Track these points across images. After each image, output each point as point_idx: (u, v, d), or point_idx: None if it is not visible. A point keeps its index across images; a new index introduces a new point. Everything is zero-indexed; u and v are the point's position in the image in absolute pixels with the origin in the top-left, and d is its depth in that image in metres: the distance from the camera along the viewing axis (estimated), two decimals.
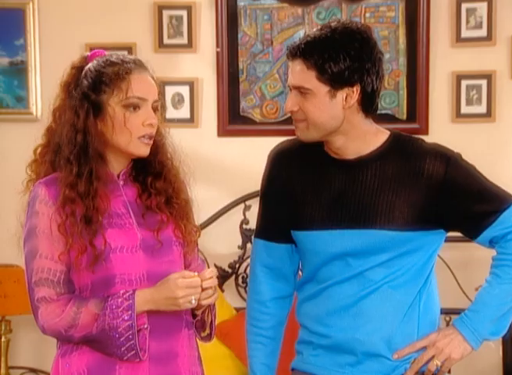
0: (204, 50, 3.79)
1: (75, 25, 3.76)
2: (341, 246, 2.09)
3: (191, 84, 3.81)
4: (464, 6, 3.70)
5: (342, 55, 2.02)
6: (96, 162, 1.95)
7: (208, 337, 2.12)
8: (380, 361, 2.11)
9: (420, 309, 2.14)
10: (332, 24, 2.07)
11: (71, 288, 1.95)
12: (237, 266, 3.77)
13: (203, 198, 3.71)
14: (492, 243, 2.13)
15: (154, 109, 2.01)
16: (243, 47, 3.77)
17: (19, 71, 3.81)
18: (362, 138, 2.11)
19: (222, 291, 3.68)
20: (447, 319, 3.67)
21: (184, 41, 3.80)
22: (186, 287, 1.89)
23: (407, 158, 2.09)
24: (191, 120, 3.82)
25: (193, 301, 1.90)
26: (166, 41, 3.81)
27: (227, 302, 3.68)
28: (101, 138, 1.96)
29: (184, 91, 3.81)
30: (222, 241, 3.77)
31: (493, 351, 3.68)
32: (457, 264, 3.68)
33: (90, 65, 1.99)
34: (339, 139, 2.10)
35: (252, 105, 3.80)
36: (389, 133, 2.16)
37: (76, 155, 1.94)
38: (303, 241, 2.17)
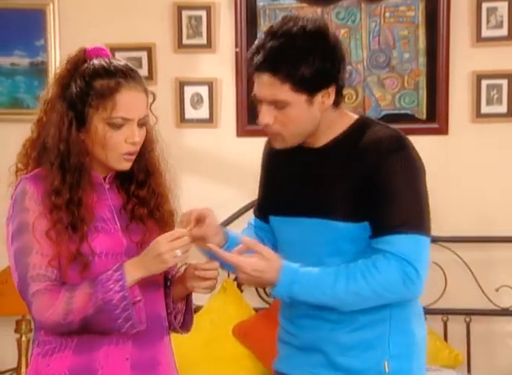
0: (223, 50, 3.79)
1: (95, 25, 3.78)
2: (293, 232, 2.11)
3: (210, 84, 3.81)
4: (485, 5, 3.68)
5: (311, 60, 1.96)
6: (79, 172, 1.92)
7: (185, 327, 2.11)
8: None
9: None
10: (292, 29, 1.98)
11: (64, 282, 1.92)
12: None
13: (222, 198, 3.75)
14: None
15: (141, 125, 1.96)
16: None
17: (39, 72, 3.84)
18: (331, 127, 2.08)
19: (241, 291, 3.68)
20: (467, 319, 3.66)
21: (203, 41, 3.81)
22: (166, 240, 1.87)
23: (354, 147, 2.04)
24: (210, 120, 3.83)
25: (179, 253, 1.87)
26: (185, 41, 3.81)
27: (246, 302, 3.68)
28: (84, 148, 1.93)
29: (203, 91, 3.82)
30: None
31: None
32: (477, 265, 3.66)
33: (83, 67, 1.94)
34: (312, 135, 2.09)
35: None
36: (355, 119, 2.11)
37: (59, 164, 1.92)
38: (272, 226, 2.22)
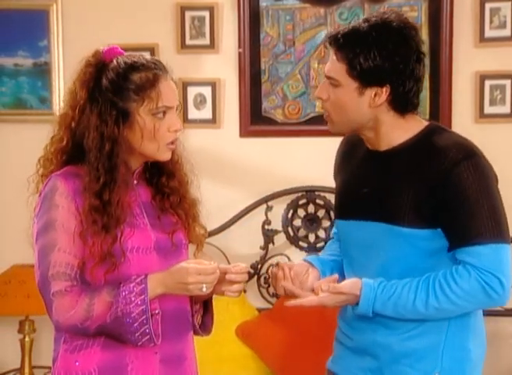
0: (226, 51, 3.79)
1: (98, 26, 3.78)
2: (360, 237, 2.10)
3: (213, 85, 3.82)
4: (488, 6, 3.68)
5: (373, 53, 1.97)
6: (121, 171, 1.94)
7: (205, 328, 2.12)
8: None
9: None
10: (373, 19, 2.01)
11: (84, 282, 1.93)
12: (259, 266, 3.77)
13: (225, 199, 3.74)
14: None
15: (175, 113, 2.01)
16: (265, 47, 3.77)
17: (42, 72, 3.84)
18: (394, 132, 2.07)
19: (245, 291, 3.68)
20: None
21: (206, 41, 3.81)
22: (196, 273, 1.88)
23: (424, 153, 2.02)
24: (213, 121, 3.83)
25: (204, 289, 1.89)
26: (188, 41, 3.81)
27: (249, 303, 3.68)
28: (128, 146, 1.95)
29: (206, 91, 3.82)
30: (244, 242, 3.77)
31: None
32: None
33: (112, 66, 1.97)
34: (369, 133, 2.09)
35: (274, 106, 3.80)
36: (424, 125, 2.09)
37: (103, 163, 1.92)
38: (338, 230, 2.24)
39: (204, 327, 2.11)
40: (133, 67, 1.96)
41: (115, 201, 1.92)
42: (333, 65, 2.03)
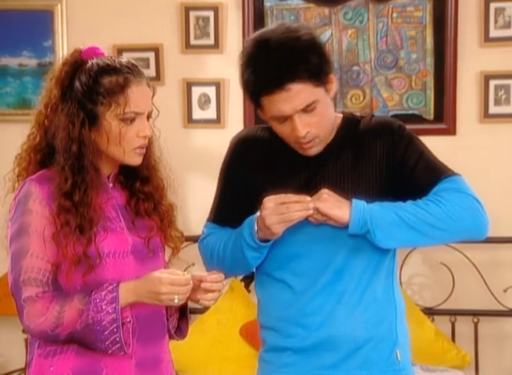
0: (230, 51, 3.79)
1: (103, 26, 3.79)
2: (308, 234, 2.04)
3: (218, 85, 3.82)
4: (493, 6, 3.67)
5: (311, 53, 1.96)
6: (89, 172, 1.92)
7: (180, 333, 2.09)
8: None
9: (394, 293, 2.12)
10: (281, 38, 1.96)
11: (57, 287, 1.91)
12: None
13: None
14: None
15: (148, 118, 1.97)
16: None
17: (47, 72, 3.83)
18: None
19: (249, 291, 3.68)
20: (475, 320, 3.65)
21: (211, 41, 3.81)
22: (170, 283, 1.85)
23: (359, 142, 2.06)
24: (217, 121, 3.83)
25: (176, 300, 1.86)
26: (193, 41, 3.82)
27: (253, 302, 3.67)
28: (95, 148, 1.93)
29: (211, 91, 3.82)
30: None
31: None
32: (485, 265, 3.65)
33: (86, 67, 1.94)
34: None
35: None
36: (341, 117, 2.12)
37: (70, 165, 1.90)
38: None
39: (180, 332, 2.09)
40: (104, 70, 1.93)
41: (86, 202, 1.90)
42: (300, 95, 1.94)
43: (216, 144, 3.88)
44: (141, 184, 2.03)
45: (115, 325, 1.85)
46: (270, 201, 1.95)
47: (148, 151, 2.01)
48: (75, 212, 1.89)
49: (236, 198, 2.13)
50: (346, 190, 2.03)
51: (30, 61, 3.83)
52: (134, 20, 3.80)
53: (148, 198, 2.03)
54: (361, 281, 2.06)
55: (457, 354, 3.55)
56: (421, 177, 2.03)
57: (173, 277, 1.86)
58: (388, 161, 2.05)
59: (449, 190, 2.02)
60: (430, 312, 3.69)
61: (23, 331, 3.65)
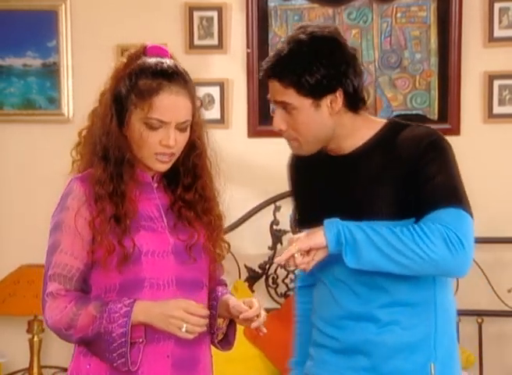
0: (234, 51, 3.79)
1: (107, 26, 3.79)
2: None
3: (221, 85, 3.82)
4: (497, 6, 3.67)
5: (315, 67, 1.97)
6: (120, 165, 1.94)
7: (227, 344, 2.11)
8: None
9: (437, 304, 2.08)
10: (300, 36, 2.01)
11: (83, 288, 1.94)
12: (267, 266, 3.77)
13: (233, 199, 3.73)
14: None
15: (182, 129, 1.96)
16: (273, 47, 3.75)
17: (51, 72, 3.85)
18: (355, 134, 2.07)
19: (252, 291, 3.68)
20: (479, 320, 3.65)
21: (215, 42, 3.81)
22: (184, 309, 1.87)
23: (392, 148, 2.04)
24: (221, 121, 3.83)
25: (184, 329, 1.86)
26: (197, 42, 3.82)
27: None
28: (125, 143, 1.95)
29: (215, 91, 3.82)
30: (252, 242, 3.77)
31: None
32: (489, 266, 3.65)
33: (137, 63, 1.96)
34: (333, 142, 2.08)
35: None
36: (384, 123, 2.11)
37: (101, 155, 1.94)
38: None
39: (226, 345, 2.10)
40: (144, 72, 1.94)
41: (121, 193, 1.92)
42: (281, 91, 2.01)
43: (220, 144, 3.88)
44: (183, 191, 2.02)
45: (123, 339, 1.86)
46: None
47: (192, 159, 2.02)
48: (109, 201, 1.92)
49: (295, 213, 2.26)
50: (372, 191, 2.02)
51: (34, 61, 3.84)
52: (138, 20, 3.80)
53: (190, 206, 2.02)
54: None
55: (461, 354, 3.52)
56: (424, 198, 1.99)
57: (190, 305, 1.88)
58: (408, 174, 2.01)
59: (439, 221, 1.96)
60: None
61: (27, 331, 3.66)
